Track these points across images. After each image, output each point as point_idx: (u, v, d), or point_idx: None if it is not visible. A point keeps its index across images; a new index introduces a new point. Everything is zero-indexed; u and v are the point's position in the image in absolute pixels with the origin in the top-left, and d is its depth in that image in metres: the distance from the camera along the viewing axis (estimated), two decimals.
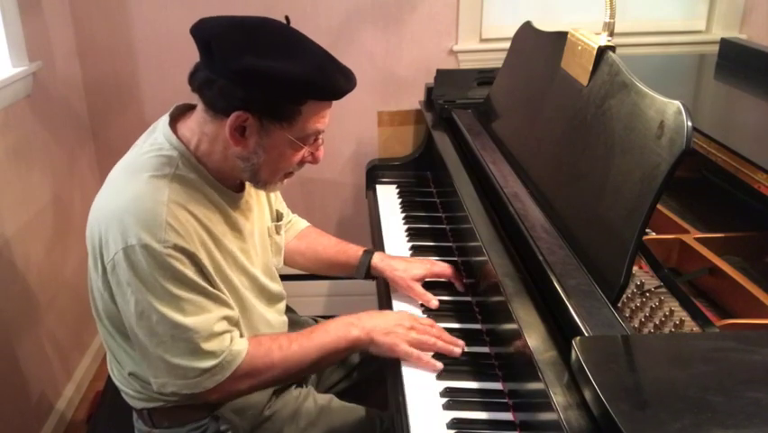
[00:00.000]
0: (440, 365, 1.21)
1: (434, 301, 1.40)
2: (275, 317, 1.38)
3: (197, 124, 1.18)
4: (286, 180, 1.25)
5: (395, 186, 2.00)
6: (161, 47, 2.36)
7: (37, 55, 2.05)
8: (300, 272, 2.47)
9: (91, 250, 1.17)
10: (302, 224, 1.62)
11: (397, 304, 1.44)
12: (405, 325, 1.26)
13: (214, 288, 1.17)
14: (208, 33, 1.10)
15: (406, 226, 1.75)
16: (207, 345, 1.14)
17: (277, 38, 1.12)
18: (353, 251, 1.54)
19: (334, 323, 1.28)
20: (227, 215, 1.23)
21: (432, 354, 1.24)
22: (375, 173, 2.05)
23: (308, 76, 1.09)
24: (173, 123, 1.21)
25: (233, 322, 1.20)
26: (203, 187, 1.18)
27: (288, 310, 1.53)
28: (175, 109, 1.23)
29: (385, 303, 1.46)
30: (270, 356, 1.21)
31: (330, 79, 1.12)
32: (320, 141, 1.22)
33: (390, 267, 1.47)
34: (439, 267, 1.47)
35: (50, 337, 2.14)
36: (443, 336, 1.26)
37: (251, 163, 1.17)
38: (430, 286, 1.46)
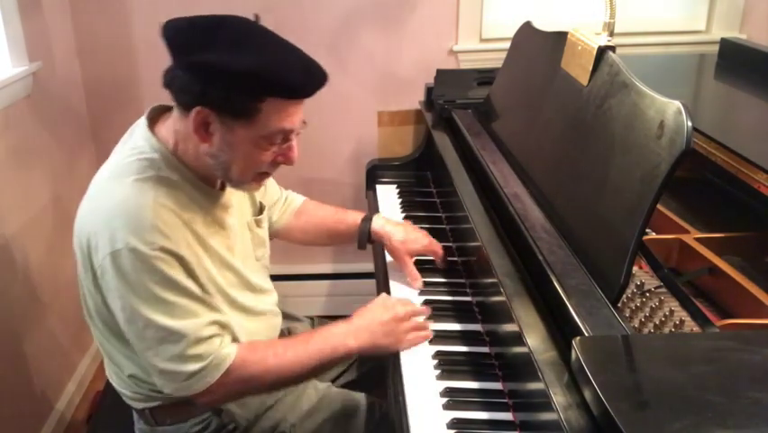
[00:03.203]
0: (431, 334, 1.29)
1: (419, 282, 1.44)
2: (266, 307, 1.38)
3: (173, 123, 1.18)
4: (265, 181, 1.25)
5: (395, 186, 2.00)
6: (161, 47, 2.35)
7: (37, 55, 2.04)
8: (300, 272, 2.48)
9: (80, 255, 1.17)
10: (298, 201, 1.62)
11: (394, 289, 1.47)
12: (399, 314, 1.28)
13: (202, 291, 1.17)
14: (169, 31, 1.11)
15: None
16: (194, 350, 1.13)
17: (235, 34, 1.10)
18: (352, 219, 1.57)
19: (334, 331, 1.27)
20: (210, 213, 1.23)
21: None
22: (375, 173, 2.04)
23: (260, 70, 1.07)
24: (152, 124, 1.21)
25: (223, 326, 1.19)
26: (185, 187, 1.18)
27: (287, 317, 1.54)
28: (151, 111, 1.23)
29: (383, 287, 1.49)
30: (265, 362, 1.20)
31: (285, 75, 1.10)
32: (292, 140, 1.19)
33: (389, 235, 1.51)
34: (434, 245, 1.52)
35: (51, 337, 2.14)
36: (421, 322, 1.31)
37: (219, 161, 1.16)
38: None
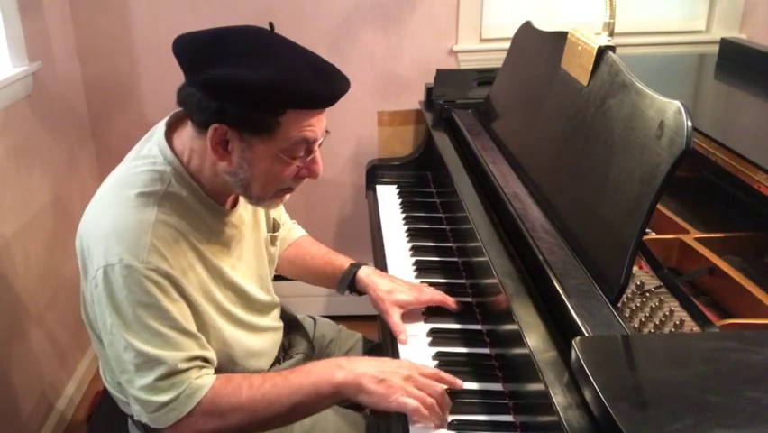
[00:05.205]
0: (437, 421, 1.08)
1: (402, 336, 1.29)
2: (268, 323, 1.35)
3: (189, 139, 1.15)
4: (287, 196, 1.20)
5: (395, 186, 2.00)
6: (161, 47, 2.34)
7: (37, 55, 2.05)
8: None
9: (80, 259, 1.15)
10: (296, 233, 1.57)
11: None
12: (402, 374, 1.11)
13: (195, 316, 1.13)
14: (178, 47, 1.08)
15: (407, 227, 1.75)
16: (166, 381, 1.09)
17: (246, 45, 1.07)
18: (340, 262, 1.47)
19: (319, 364, 1.17)
20: (217, 232, 1.20)
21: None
22: (375, 173, 2.04)
23: (276, 82, 1.04)
24: (170, 131, 1.18)
25: (205, 360, 1.14)
26: (193, 204, 1.15)
27: (285, 314, 1.51)
28: (172, 116, 1.19)
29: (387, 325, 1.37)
30: (238, 395, 1.11)
31: (303, 86, 1.06)
32: (316, 152, 1.15)
33: (374, 285, 1.40)
34: (427, 295, 1.38)
35: (51, 337, 2.14)
36: (445, 399, 1.11)
37: (238, 179, 1.12)
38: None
